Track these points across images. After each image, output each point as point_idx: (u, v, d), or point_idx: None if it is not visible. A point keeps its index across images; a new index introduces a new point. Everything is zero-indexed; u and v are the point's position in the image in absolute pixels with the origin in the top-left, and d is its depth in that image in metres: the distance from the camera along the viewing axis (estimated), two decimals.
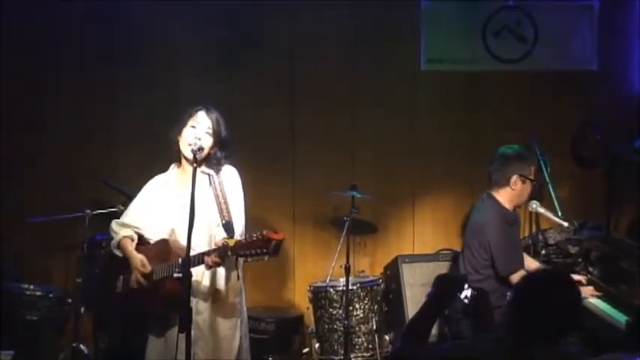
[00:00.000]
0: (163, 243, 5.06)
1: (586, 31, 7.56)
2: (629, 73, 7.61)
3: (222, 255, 4.76)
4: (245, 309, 5.38)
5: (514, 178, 5.90)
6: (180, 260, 4.77)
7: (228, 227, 5.02)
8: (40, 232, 6.91)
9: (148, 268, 5.04)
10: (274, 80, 7.52)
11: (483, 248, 5.82)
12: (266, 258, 4.62)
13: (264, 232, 4.60)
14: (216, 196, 5.11)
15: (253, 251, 4.62)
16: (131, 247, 5.16)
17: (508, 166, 5.93)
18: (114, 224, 5.30)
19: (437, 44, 7.55)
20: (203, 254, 4.82)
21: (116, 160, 7.33)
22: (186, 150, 5.03)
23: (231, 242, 4.72)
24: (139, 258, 5.07)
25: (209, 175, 5.17)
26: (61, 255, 7.17)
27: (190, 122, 5.09)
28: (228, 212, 5.07)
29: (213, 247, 4.91)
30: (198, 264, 4.83)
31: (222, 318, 5.14)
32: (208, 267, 4.85)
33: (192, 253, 4.77)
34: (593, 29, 7.55)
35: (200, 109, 5.12)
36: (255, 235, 4.63)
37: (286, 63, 7.53)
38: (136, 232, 5.23)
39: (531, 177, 5.96)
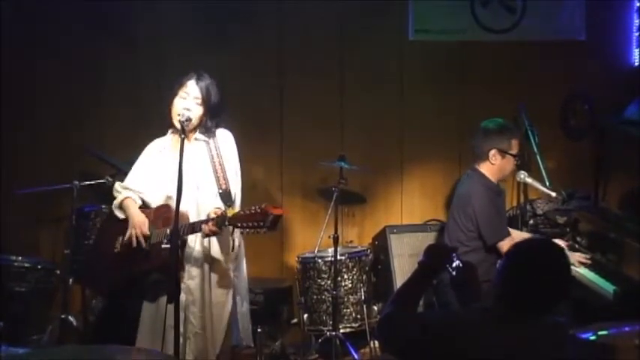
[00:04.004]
0: (165, 208, 5.07)
1: (574, 1, 7.54)
2: (617, 43, 7.60)
3: (220, 224, 4.78)
4: (245, 275, 5.41)
5: (493, 152, 5.90)
6: (181, 226, 4.80)
7: (225, 196, 5.06)
8: (27, 203, 6.89)
9: (147, 230, 5.04)
10: (262, 52, 7.48)
11: (469, 219, 5.84)
12: (263, 231, 4.65)
13: (263, 206, 4.64)
14: (213, 164, 5.12)
15: (250, 224, 4.66)
16: (134, 206, 5.18)
17: (487, 140, 5.93)
18: (117, 185, 5.32)
19: (425, 14, 7.51)
20: (201, 222, 4.85)
21: (104, 133, 7.30)
22: (175, 119, 5.04)
23: (230, 213, 4.76)
24: (141, 216, 5.10)
25: (205, 142, 5.17)
26: (49, 226, 7.18)
27: (180, 92, 5.09)
28: (226, 180, 5.10)
29: (205, 215, 4.94)
30: (195, 232, 4.89)
31: (215, 284, 5.16)
32: (205, 235, 4.89)
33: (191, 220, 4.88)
34: None
35: (190, 79, 5.12)
36: (254, 207, 4.66)
37: (274, 34, 7.50)
38: (138, 197, 5.25)
39: (512, 152, 5.94)
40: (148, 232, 5.04)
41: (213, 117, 5.16)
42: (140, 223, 5.07)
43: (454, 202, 6.10)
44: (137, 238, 5.04)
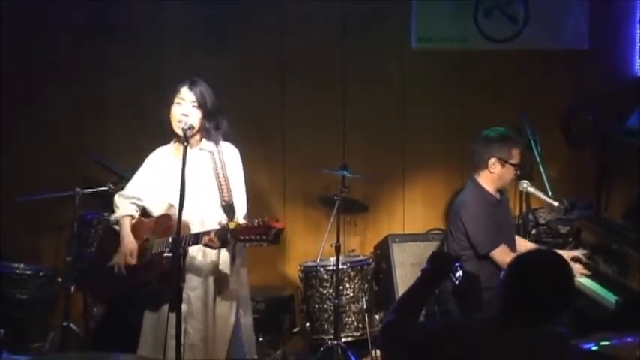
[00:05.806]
0: (166, 218, 5.08)
1: (577, 10, 7.53)
2: (620, 52, 7.60)
3: (222, 236, 4.78)
4: (246, 286, 5.40)
5: (492, 160, 5.86)
6: (183, 237, 4.80)
7: (227, 209, 5.06)
8: (29, 210, 6.86)
9: (134, 260, 5.08)
10: (264, 58, 7.46)
11: (460, 230, 5.84)
12: (265, 245, 4.64)
13: (266, 219, 4.64)
14: (217, 175, 5.13)
15: (253, 237, 4.65)
16: (128, 228, 5.19)
17: (487, 149, 5.90)
18: (117, 198, 5.34)
19: (428, 23, 7.51)
20: (202, 234, 4.84)
21: (105, 139, 7.28)
22: (176, 127, 5.06)
23: (232, 225, 4.74)
24: (129, 247, 5.13)
25: (210, 152, 5.18)
26: (50, 234, 7.15)
27: (175, 99, 5.12)
28: (229, 193, 5.10)
29: (209, 226, 4.94)
30: (195, 243, 4.87)
31: (218, 295, 5.15)
32: (204, 246, 4.88)
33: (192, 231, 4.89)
34: (584, 8, 7.52)
35: (183, 85, 5.15)
36: (256, 221, 4.66)
37: (276, 40, 7.47)
38: (138, 205, 5.27)
39: (512, 161, 5.90)
40: (134, 262, 5.09)
41: (211, 119, 5.17)
42: (127, 253, 5.12)
43: (450, 213, 6.13)
44: (121, 267, 5.13)
